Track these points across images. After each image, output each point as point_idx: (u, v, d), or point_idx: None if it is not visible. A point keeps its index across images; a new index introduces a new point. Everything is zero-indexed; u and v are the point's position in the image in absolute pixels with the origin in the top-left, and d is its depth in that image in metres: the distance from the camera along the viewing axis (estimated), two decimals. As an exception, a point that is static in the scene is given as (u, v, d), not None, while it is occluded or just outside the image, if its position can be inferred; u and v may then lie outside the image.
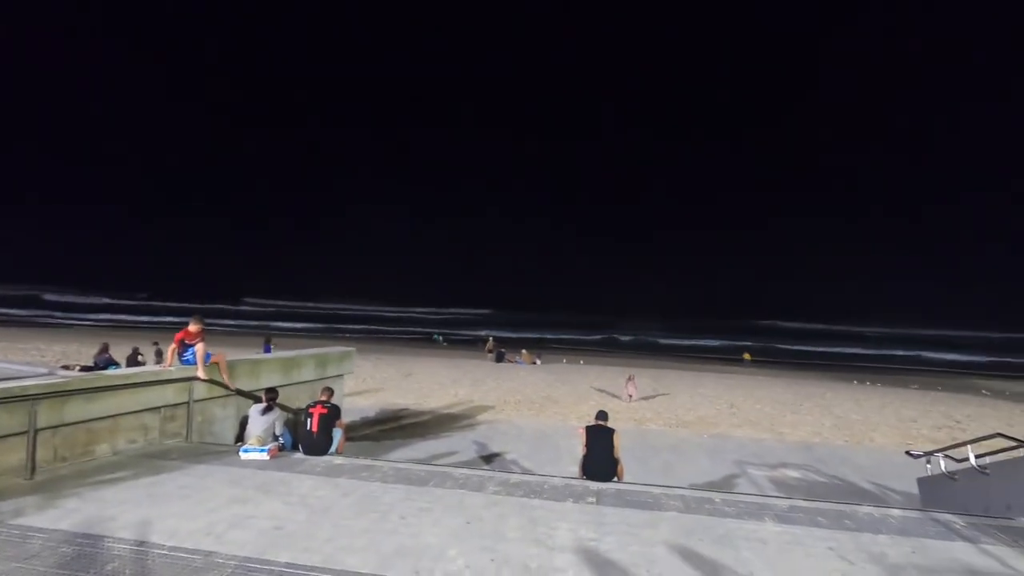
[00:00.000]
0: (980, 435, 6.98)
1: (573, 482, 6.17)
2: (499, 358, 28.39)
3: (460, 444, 10.97)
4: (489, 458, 10.07)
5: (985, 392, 25.19)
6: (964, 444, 6.72)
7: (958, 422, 15.66)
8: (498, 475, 6.35)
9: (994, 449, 6.38)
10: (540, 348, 36.00)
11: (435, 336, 50.59)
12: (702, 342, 56.01)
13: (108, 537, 4.08)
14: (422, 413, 14.08)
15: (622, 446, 6.79)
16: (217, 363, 7.49)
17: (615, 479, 6.43)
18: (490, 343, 33.49)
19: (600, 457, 6.45)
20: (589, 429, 6.73)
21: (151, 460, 6.16)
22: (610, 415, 7.42)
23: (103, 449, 6.22)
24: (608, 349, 46.97)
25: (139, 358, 14.59)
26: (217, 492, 5.17)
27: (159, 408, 6.89)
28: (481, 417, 13.80)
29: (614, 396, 17.76)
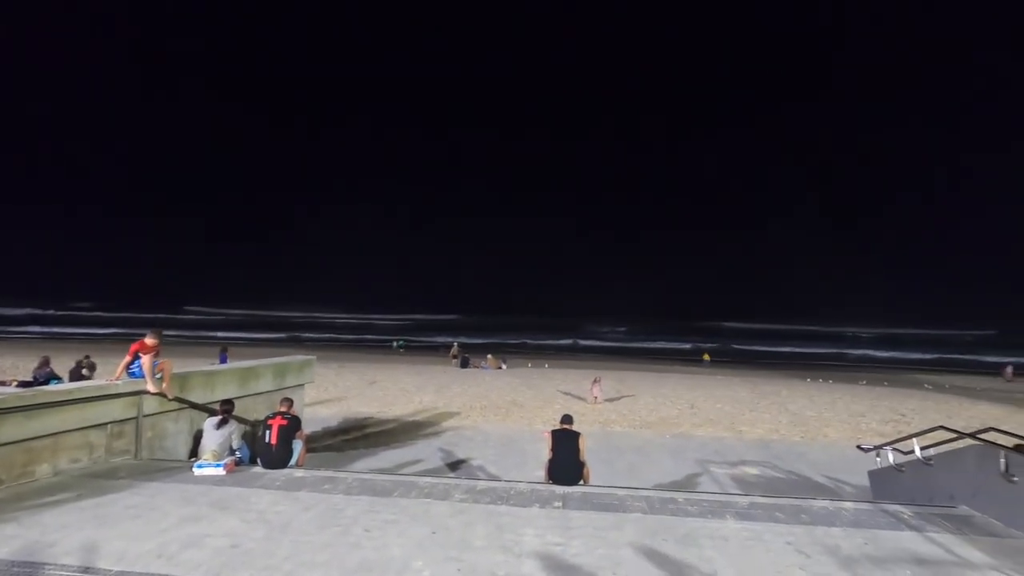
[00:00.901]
0: (924, 428, 7.35)
1: (539, 487, 6.18)
2: (464, 364, 28.25)
3: (425, 452, 10.83)
4: (455, 465, 9.98)
5: (927, 386, 26.56)
6: (910, 437, 7.05)
7: (903, 416, 16.44)
8: (464, 482, 6.30)
9: (937, 441, 6.73)
10: (505, 353, 35.98)
11: (395, 343, 50.11)
12: (665, 344, 57.23)
13: (50, 564, 3.84)
14: (386, 421, 13.86)
15: (588, 448, 6.84)
16: (162, 370, 7.15)
17: (581, 482, 6.46)
18: (454, 348, 33.27)
19: (566, 461, 6.47)
20: (555, 433, 6.74)
21: (96, 480, 5.84)
22: (576, 418, 7.46)
23: (44, 470, 5.86)
24: (573, 352, 47.39)
25: (83, 372, 13.85)
26: (169, 511, 4.94)
27: (105, 424, 6.54)
28: (446, 424, 13.68)
29: (579, 399, 17.90)
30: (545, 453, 6.78)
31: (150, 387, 6.89)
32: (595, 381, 18.07)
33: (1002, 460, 5.22)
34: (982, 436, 5.85)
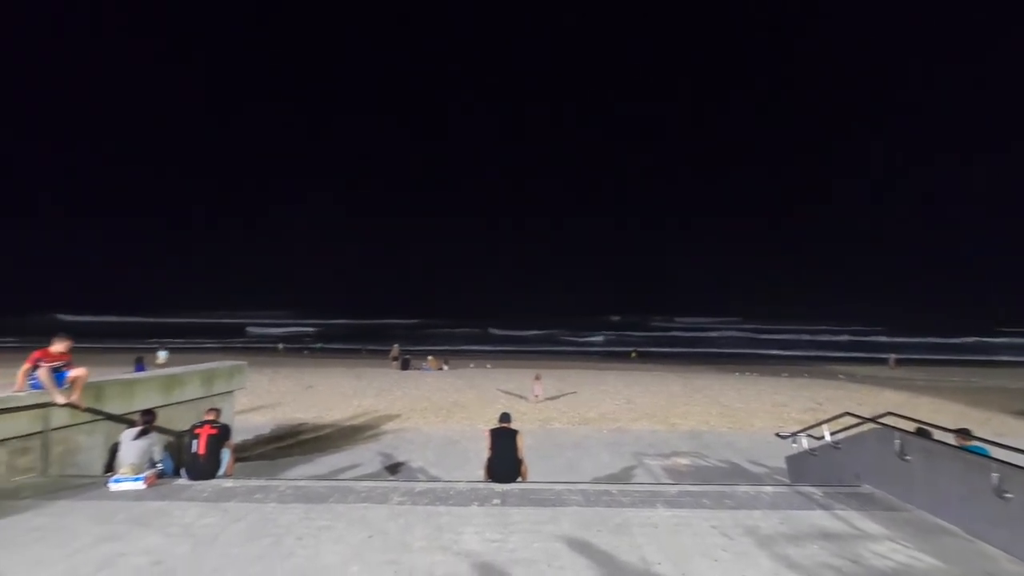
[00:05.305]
0: (833, 415, 7.96)
1: (479, 486, 6.22)
2: (404, 366, 27.83)
3: (364, 456, 10.63)
4: (394, 468, 9.85)
5: (841, 376, 28.66)
6: (820, 424, 7.62)
7: (820, 404, 17.68)
8: (403, 485, 6.25)
9: (845, 426, 7.30)
10: (447, 354, 35.75)
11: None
12: (603, 347, 58.52)
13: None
14: (323, 427, 13.47)
15: (528, 446, 6.95)
16: (75, 380, 6.60)
17: (520, 479, 6.56)
18: (395, 350, 32.67)
19: (504, 458, 6.55)
20: (493, 432, 6.81)
21: (-4, 501, 5.37)
22: (517, 416, 7.56)
23: (-69, 493, 5.32)
24: (513, 352, 47.51)
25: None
26: (81, 531, 4.62)
27: (5, 440, 6.01)
28: (386, 427, 13.46)
29: (521, 397, 18.07)
30: (484, 452, 6.84)
31: (58, 398, 6.38)
32: (536, 379, 18.30)
33: (897, 442, 5.74)
34: (881, 420, 6.41)
